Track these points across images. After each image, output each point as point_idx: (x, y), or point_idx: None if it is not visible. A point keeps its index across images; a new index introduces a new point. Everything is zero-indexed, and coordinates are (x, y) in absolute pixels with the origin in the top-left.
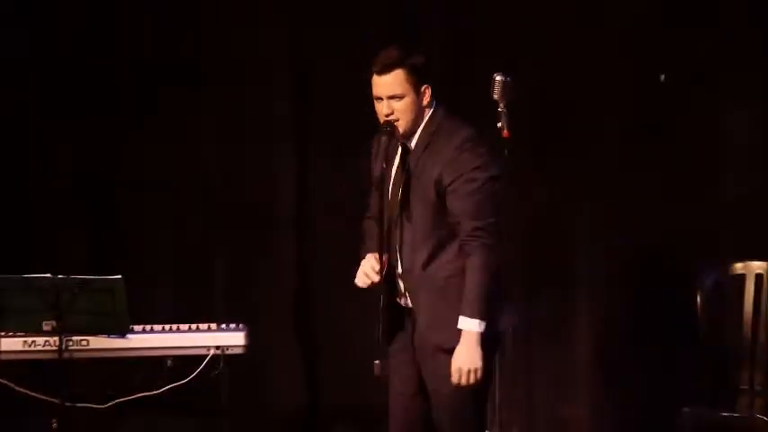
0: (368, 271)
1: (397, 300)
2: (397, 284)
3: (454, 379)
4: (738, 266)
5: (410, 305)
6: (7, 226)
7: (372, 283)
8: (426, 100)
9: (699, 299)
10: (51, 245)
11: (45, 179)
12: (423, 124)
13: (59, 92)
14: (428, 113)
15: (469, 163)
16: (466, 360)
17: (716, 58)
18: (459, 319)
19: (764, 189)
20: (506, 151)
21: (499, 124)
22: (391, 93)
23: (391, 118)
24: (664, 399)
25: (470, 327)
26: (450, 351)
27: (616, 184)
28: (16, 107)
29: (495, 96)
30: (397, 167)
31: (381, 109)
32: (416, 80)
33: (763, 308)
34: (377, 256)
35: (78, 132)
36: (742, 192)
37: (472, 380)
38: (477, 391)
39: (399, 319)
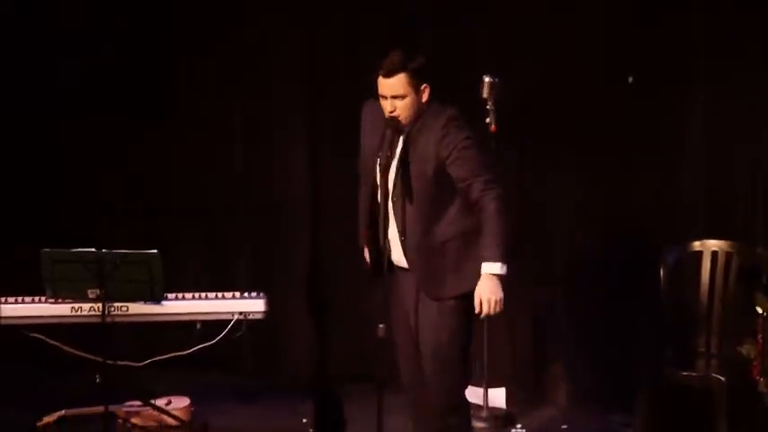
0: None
1: (395, 263)
2: (397, 250)
3: (483, 310)
4: (696, 245)
5: (404, 265)
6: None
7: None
8: (425, 97)
9: (662, 273)
10: (98, 222)
11: (96, 172)
12: (421, 113)
13: (99, 86)
14: (426, 106)
15: (459, 134)
16: (490, 291)
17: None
18: (483, 265)
19: (719, 179)
20: (493, 144)
21: (487, 120)
22: (394, 93)
23: (394, 114)
24: (630, 360)
25: (493, 270)
26: (444, 301)
27: (589, 171)
28: (60, 93)
29: (484, 95)
30: (401, 151)
31: (386, 106)
32: (417, 81)
33: (717, 281)
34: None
35: (118, 125)
36: (699, 180)
37: (497, 309)
38: (461, 344)
39: (397, 283)
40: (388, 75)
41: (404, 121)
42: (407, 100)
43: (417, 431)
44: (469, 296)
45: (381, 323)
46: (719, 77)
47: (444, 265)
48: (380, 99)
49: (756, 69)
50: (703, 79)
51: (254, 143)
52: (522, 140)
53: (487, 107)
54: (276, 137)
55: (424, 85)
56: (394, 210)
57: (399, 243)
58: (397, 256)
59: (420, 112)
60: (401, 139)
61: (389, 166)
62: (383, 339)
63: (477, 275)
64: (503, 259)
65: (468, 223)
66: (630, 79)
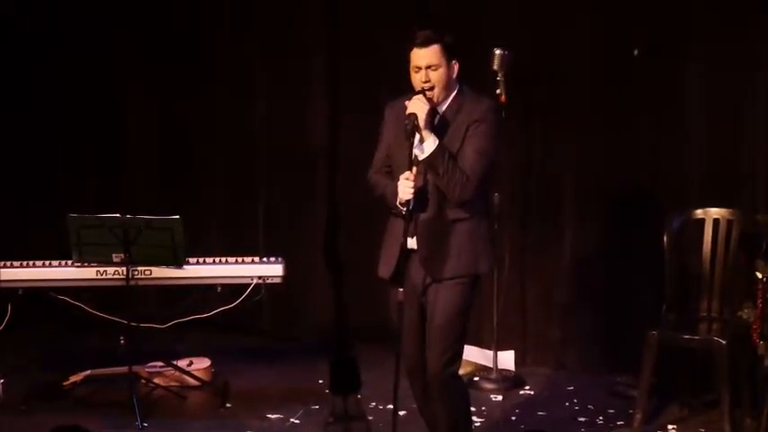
0: (406, 181)
1: (406, 243)
2: (410, 228)
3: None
4: (699, 212)
5: (414, 247)
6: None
7: (411, 194)
8: (455, 73)
9: (665, 240)
10: (121, 188)
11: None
12: (453, 94)
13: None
14: (456, 86)
15: (491, 126)
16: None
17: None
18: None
19: (720, 150)
20: (503, 113)
21: (498, 91)
22: (429, 63)
23: (427, 85)
24: (635, 324)
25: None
26: (449, 280)
27: (594, 140)
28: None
29: (495, 67)
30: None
31: (420, 77)
32: (449, 55)
33: (719, 247)
34: (407, 174)
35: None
36: (703, 149)
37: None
38: (464, 314)
39: (406, 258)
40: (424, 44)
41: (436, 94)
42: (440, 71)
43: (415, 392)
44: (469, 276)
45: (401, 287)
46: (719, 40)
47: (449, 246)
48: (413, 73)
49: (758, 30)
50: (703, 44)
51: (274, 103)
52: (530, 111)
53: (498, 78)
54: (295, 98)
55: (455, 60)
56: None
57: (420, 218)
58: (412, 240)
59: (450, 88)
60: (436, 118)
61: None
62: (401, 303)
63: (477, 258)
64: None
65: (480, 206)
66: (636, 52)
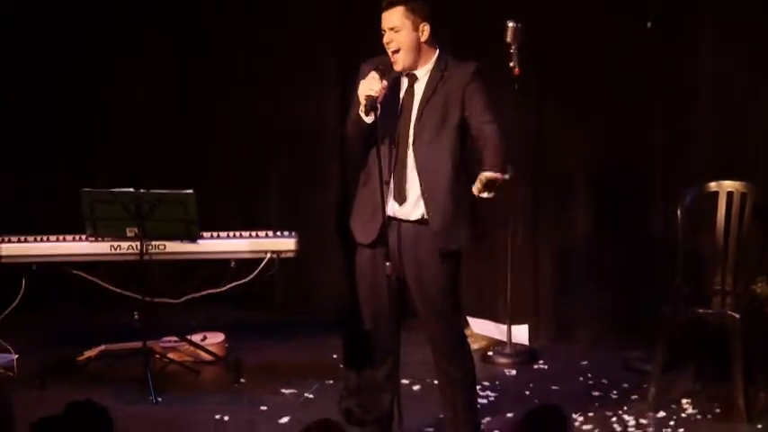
0: (371, 80)
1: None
2: (412, 201)
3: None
4: (712, 185)
5: (395, 214)
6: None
7: (375, 91)
8: (425, 36)
9: (679, 213)
10: (134, 163)
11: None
12: (433, 60)
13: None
14: (435, 53)
15: (483, 83)
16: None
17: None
18: (488, 173)
19: (734, 118)
20: (516, 86)
21: (511, 63)
22: (391, 25)
23: (392, 47)
24: (648, 298)
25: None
26: (451, 253)
27: (606, 114)
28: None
29: (508, 40)
30: (406, 96)
31: (384, 40)
32: (414, 17)
33: (733, 221)
34: (374, 74)
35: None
36: (715, 120)
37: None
38: (456, 291)
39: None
40: (387, 7)
41: (401, 59)
42: (403, 33)
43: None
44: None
45: (388, 261)
46: (729, 15)
47: (459, 215)
48: (383, 36)
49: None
50: (710, 18)
51: (284, 82)
52: (543, 83)
53: (511, 51)
54: (306, 74)
55: (424, 23)
56: (416, 157)
57: (419, 192)
58: (408, 208)
59: (419, 52)
60: (405, 82)
61: (407, 115)
62: (389, 277)
63: (475, 230)
64: (503, 171)
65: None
66: (649, 24)
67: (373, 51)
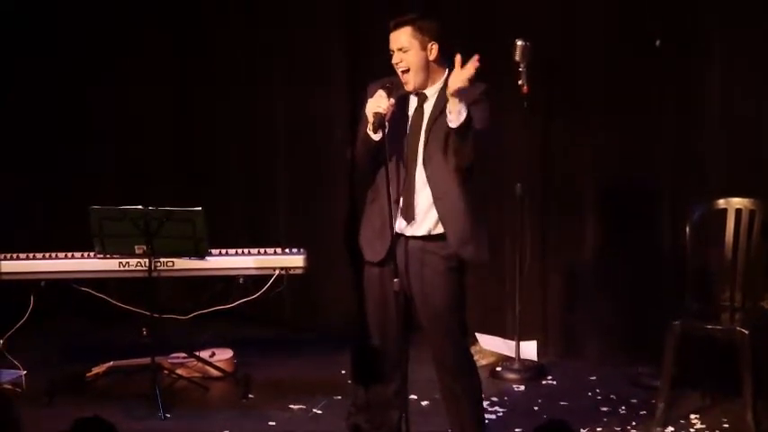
0: (379, 97)
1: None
2: (421, 217)
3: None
4: (721, 202)
5: (413, 233)
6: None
7: (383, 108)
8: (434, 56)
9: (688, 229)
10: (143, 180)
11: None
12: (442, 79)
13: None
14: (444, 72)
15: (486, 102)
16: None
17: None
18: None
19: (743, 135)
20: (525, 103)
21: (520, 82)
22: (399, 46)
23: (401, 67)
24: (657, 314)
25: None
26: (457, 268)
27: (616, 131)
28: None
29: (517, 58)
30: (415, 115)
31: (394, 60)
32: (423, 37)
33: (741, 237)
34: (382, 92)
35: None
36: (723, 137)
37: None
38: (462, 306)
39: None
40: (395, 27)
41: (411, 78)
42: (412, 53)
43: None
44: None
45: (396, 278)
46: (738, 30)
47: (473, 226)
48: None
49: None
50: (720, 34)
51: (293, 98)
52: (550, 102)
53: (520, 69)
54: (315, 91)
55: (432, 42)
56: (428, 173)
57: (427, 207)
58: (415, 225)
59: (430, 72)
60: (415, 100)
61: (415, 133)
62: (397, 293)
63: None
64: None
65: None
66: (658, 42)
67: (374, 51)
